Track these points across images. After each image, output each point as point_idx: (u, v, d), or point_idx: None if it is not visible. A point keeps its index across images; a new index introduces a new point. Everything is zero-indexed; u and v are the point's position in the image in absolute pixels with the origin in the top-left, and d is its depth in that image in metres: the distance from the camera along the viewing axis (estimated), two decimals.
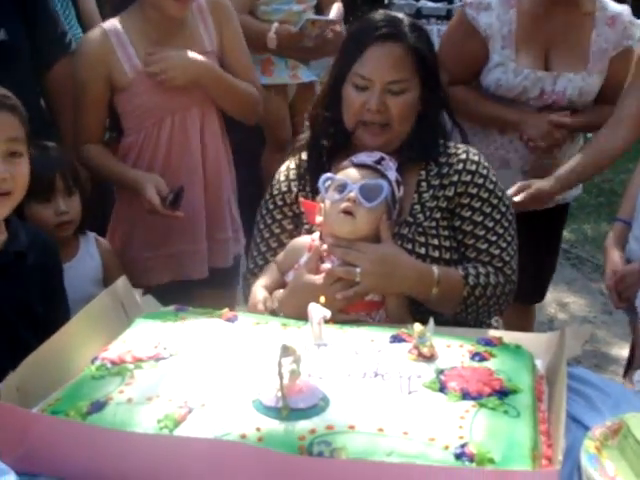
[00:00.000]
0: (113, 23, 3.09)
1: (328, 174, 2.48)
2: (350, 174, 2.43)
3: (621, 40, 3.43)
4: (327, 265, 2.41)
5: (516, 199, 3.14)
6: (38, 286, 2.46)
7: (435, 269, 2.43)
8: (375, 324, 2.22)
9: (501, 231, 2.55)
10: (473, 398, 1.78)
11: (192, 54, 3.09)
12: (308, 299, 2.32)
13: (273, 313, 2.42)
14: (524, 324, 3.92)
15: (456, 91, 3.44)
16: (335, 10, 4.16)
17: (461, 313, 2.51)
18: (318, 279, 2.39)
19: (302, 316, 2.15)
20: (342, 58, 2.63)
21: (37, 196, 2.73)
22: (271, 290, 2.53)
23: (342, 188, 2.40)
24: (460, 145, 2.68)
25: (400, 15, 2.67)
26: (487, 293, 2.50)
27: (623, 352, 4.85)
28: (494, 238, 2.54)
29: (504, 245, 2.55)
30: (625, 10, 3.47)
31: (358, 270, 2.34)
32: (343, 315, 2.36)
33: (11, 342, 2.28)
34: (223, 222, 3.33)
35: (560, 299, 5.84)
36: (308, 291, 2.36)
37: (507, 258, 2.55)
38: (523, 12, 3.41)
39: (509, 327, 3.15)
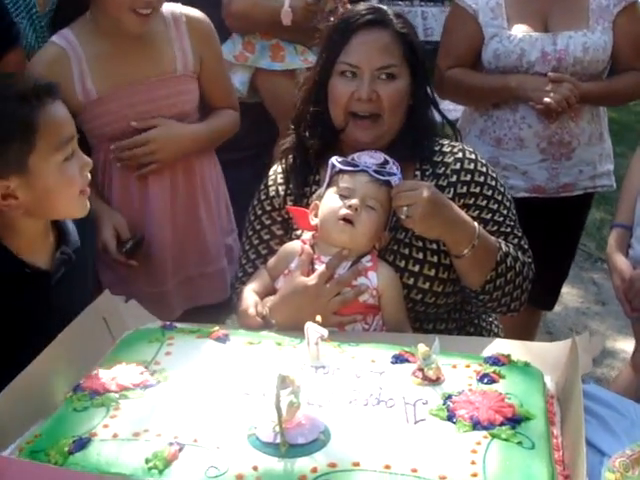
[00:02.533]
0: (66, 37, 2.82)
1: (340, 166, 2.35)
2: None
3: None
4: (318, 267, 2.30)
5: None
6: (90, 280, 2.50)
7: (476, 224, 2.33)
8: (375, 341, 2.09)
9: (511, 223, 2.48)
10: (484, 428, 1.67)
11: (179, 129, 2.92)
12: (300, 303, 2.27)
13: (264, 319, 2.32)
14: (528, 329, 3.82)
15: (455, 72, 3.45)
16: None
17: (488, 286, 2.39)
18: (310, 281, 2.28)
19: (294, 322, 2.05)
20: (327, 50, 2.52)
21: None
22: (262, 295, 2.42)
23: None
24: (455, 143, 2.59)
25: (383, 5, 2.61)
26: (516, 267, 2.41)
27: (618, 344, 4.78)
28: (508, 230, 2.46)
29: (519, 234, 2.49)
30: None
31: (405, 209, 2.23)
32: (338, 317, 2.28)
33: None
34: (209, 254, 3.10)
35: None
36: (300, 295, 2.28)
37: (525, 246, 2.49)
38: None
39: (511, 328, 3.04)
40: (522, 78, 3.35)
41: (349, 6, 3.78)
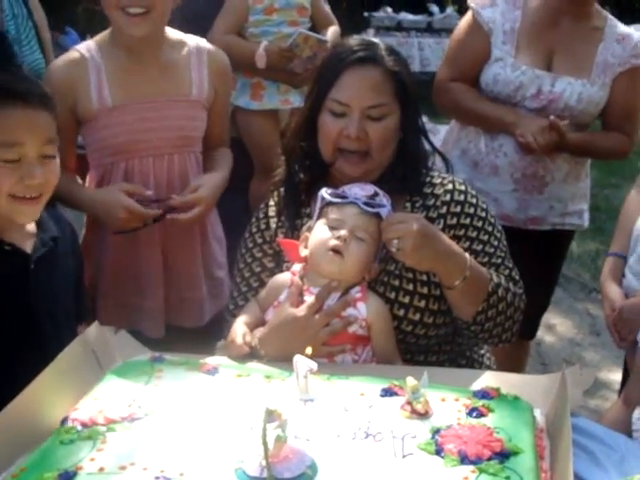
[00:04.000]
0: (88, 46, 2.92)
1: (329, 198, 2.36)
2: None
3: (629, 58, 3.36)
4: (308, 299, 2.30)
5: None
6: (71, 274, 2.51)
7: (467, 255, 2.33)
8: (364, 374, 2.09)
9: (502, 254, 2.47)
10: (472, 462, 1.66)
11: (216, 181, 2.97)
12: (289, 334, 2.27)
13: (253, 350, 2.32)
14: (518, 359, 3.81)
15: (456, 87, 3.44)
16: (330, 32, 4.04)
17: (480, 317, 2.38)
18: (299, 312, 2.28)
19: (283, 354, 2.05)
20: (317, 85, 2.51)
21: None
22: (251, 327, 2.41)
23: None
24: (445, 175, 2.58)
25: (376, 40, 2.59)
26: (507, 298, 2.40)
27: (612, 375, 4.75)
28: (499, 261, 2.45)
29: (510, 265, 2.48)
30: (636, 31, 3.42)
31: (395, 242, 2.22)
32: (327, 347, 2.27)
33: (56, 329, 2.33)
34: (192, 280, 3.09)
35: (546, 320, 5.69)
36: (289, 326, 2.28)
37: (517, 277, 2.48)
38: (529, 14, 3.37)
39: (502, 364, 3.04)
40: (519, 116, 3.35)
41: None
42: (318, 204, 2.38)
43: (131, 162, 2.90)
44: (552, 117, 3.27)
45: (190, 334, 3.03)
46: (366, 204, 2.31)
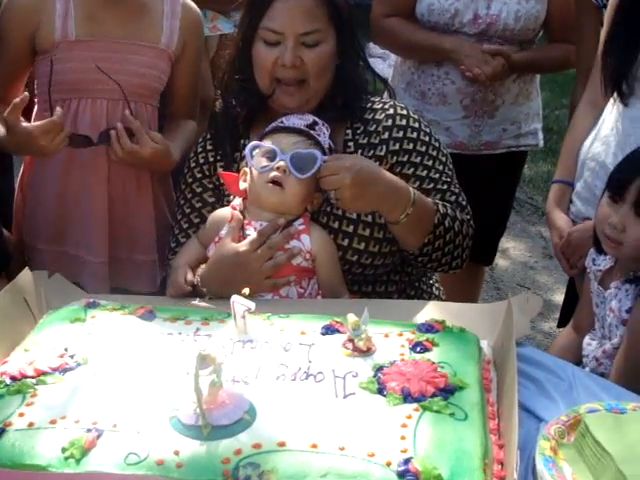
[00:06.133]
0: None
1: (255, 142, 2.30)
2: (281, 141, 2.26)
3: None
4: (249, 233, 2.26)
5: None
6: None
7: (411, 189, 2.27)
8: (305, 311, 2.03)
9: (448, 180, 2.43)
10: (415, 400, 1.61)
11: (170, 151, 2.71)
12: (232, 270, 2.23)
13: (195, 288, 2.27)
14: (472, 285, 3.80)
15: (391, 22, 3.39)
16: None
17: (426, 249, 2.35)
18: (241, 247, 2.23)
19: (226, 290, 1.97)
20: (248, 14, 2.42)
21: None
22: (193, 264, 2.36)
23: (271, 156, 2.23)
24: (386, 99, 2.54)
25: None
26: (455, 226, 2.36)
27: None
28: (444, 187, 2.41)
29: (456, 191, 2.44)
30: None
31: (332, 194, 2.19)
32: (271, 280, 2.24)
33: None
34: (140, 240, 2.91)
35: (499, 244, 5.70)
36: (231, 261, 2.24)
37: (464, 202, 2.44)
38: None
39: (457, 291, 3.01)
40: (457, 42, 3.31)
41: None
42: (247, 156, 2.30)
43: (83, 102, 2.74)
44: (486, 46, 3.27)
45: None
46: (296, 156, 2.22)
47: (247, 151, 2.27)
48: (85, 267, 2.83)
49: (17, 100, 2.45)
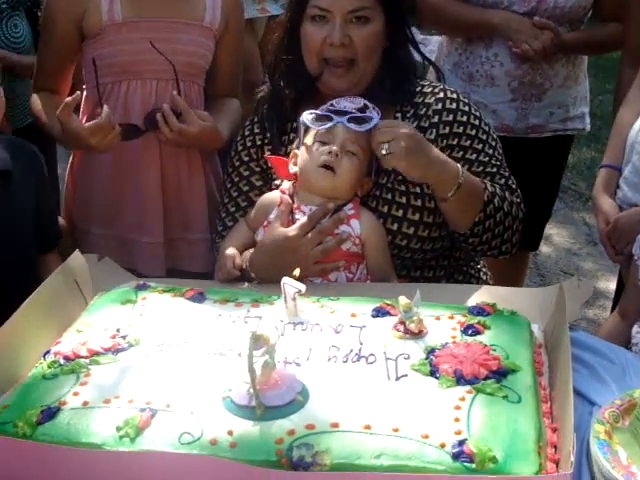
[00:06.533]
0: None
1: (311, 110, 2.29)
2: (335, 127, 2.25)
3: None
4: (298, 217, 2.25)
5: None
6: (28, 204, 2.39)
7: (459, 166, 2.25)
8: (355, 294, 2.02)
9: (498, 163, 2.41)
10: (468, 382, 1.61)
11: (218, 130, 2.71)
12: (281, 254, 2.22)
13: (244, 272, 2.27)
14: (517, 271, 3.77)
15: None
16: None
17: (477, 229, 2.32)
18: (291, 231, 2.22)
19: (275, 275, 1.98)
20: None
21: None
22: (241, 248, 2.35)
23: (327, 121, 2.22)
24: (436, 83, 2.52)
25: None
26: (504, 207, 2.34)
27: (611, 285, 4.72)
28: (494, 170, 2.39)
29: (506, 174, 2.41)
30: None
31: (385, 146, 2.14)
32: (320, 265, 2.22)
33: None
34: (194, 219, 2.89)
35: None
36: (280, 246, 2.22)
37: (513, 186, 2.41)
38: None
39: (502, 277, 2.98)
40: (505, 16, 3.25)
41: None
42: (301, 129, 2.30)
43: (133, 84, 2.74)
44: (536, 18, 3.21)
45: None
46: (353, 119, 2.22)
47: (302, 118, 2.27)
48: (140, 249, 2.84)
49: (69, 99, 2.46)
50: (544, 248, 5.39)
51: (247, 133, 2.55)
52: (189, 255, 2.90)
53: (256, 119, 2.56)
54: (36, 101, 2.79)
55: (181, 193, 2.86)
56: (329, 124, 2.22)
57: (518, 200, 2.41)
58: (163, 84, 2.74)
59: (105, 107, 2.53)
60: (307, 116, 2.27)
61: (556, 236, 5.64)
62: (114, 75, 2.74)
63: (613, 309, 3.02)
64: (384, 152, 2.15)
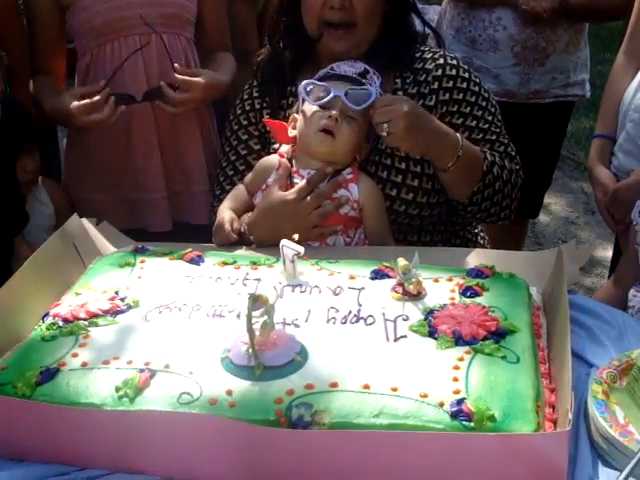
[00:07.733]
0: None
1: (309, 80, 2.27)
2: (334, 84, 2.24)
3: None
4: (297, 181, 2.24)
5: None
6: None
7: (459, 136, 2.25)
8: (354, 257, 2.02)
9: (497, 130, 2.40)
10: (467, 343, 1.61)
11: (217, 77, 2.74)
12: (279, 218, 2.22)
13: (242, 236, 2.27)
14: (516, 238, 3.77)
15: None
16: None
17: (476, 197, 2.32)
18: (289, 195, 2.22)
19: (273, 238, 1.99)
20: None
21: None
22: (239, 212, 2.35)
23: (324, 95, 2.21)
24: (436, 49, 2.49)
25: None
26: (504, 175, 2.33)
27: (608, 253, 4.70)
28: (493, 137, 2.38)
29: (505, 141, 2.40)
30: None
31: (385, 126, 2.12)
32: (318, 229, 2.23)
33: None
34: (193, 172, 2.90)
35: None
36: (279, 209, 2.22)
37: (512, 153, 2.40)
38: None
39: (500, 243, 2.98)
40: None
41: None
42: (300, 96, 2.28)
43: (117, 43, 2.72)
44: None
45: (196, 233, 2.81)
46: (351, 92, 2.21)
47: (301, 89, 2.26)
48: (146, 207, 2.85)
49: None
50: (542, 217, 5.38)
51: (246, 97, 2.54)
52: (192, 207, 2.91)
53: (255, 83, 2.54)
54: (38, 85, 2.81)
55: (178, 147, 2.86)
56: (327, 98, 2.21)
57: (517, 167, 2.40)
58: (147, 38, 2.71)
59: (101, 84, 2.58)
60: (305, 88, 2.26)
61: (554, 205, 5.64)
62: (96, 38, 2.73)
63: (610, 275, 3.02)
64: (384, 133, 2.14)
